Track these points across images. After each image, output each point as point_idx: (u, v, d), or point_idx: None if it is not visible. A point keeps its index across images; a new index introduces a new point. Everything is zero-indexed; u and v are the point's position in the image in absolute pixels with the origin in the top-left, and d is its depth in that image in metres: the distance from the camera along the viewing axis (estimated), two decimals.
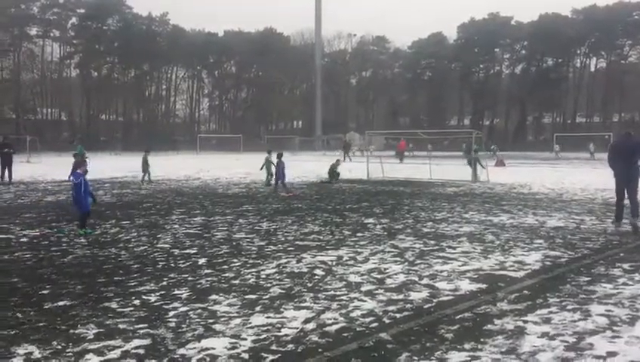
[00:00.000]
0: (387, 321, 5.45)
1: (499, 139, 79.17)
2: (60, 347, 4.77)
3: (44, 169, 30.76)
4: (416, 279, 7.04)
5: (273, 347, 4.79)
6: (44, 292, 6.48)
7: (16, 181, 22.57)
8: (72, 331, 5.15)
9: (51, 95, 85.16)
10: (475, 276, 7.18)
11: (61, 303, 6.03)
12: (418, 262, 8.02)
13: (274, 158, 20.86)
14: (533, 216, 12.76)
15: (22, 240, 9.85)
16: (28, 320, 5.49)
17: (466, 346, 4.76)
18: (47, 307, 5.91)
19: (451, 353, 4.62)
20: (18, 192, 18.74)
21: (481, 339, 4.92)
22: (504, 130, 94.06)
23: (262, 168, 22.37)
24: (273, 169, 20.63)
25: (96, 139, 75.06)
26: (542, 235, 10.24)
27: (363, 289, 6.59)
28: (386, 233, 10.51)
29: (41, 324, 5.34)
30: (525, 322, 5.38)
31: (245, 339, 4.96)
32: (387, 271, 7.48)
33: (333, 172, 23.02)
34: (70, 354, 4.62)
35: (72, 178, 10.42)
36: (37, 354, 4.63)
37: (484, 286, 6.71)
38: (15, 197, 17.12)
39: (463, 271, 7.41)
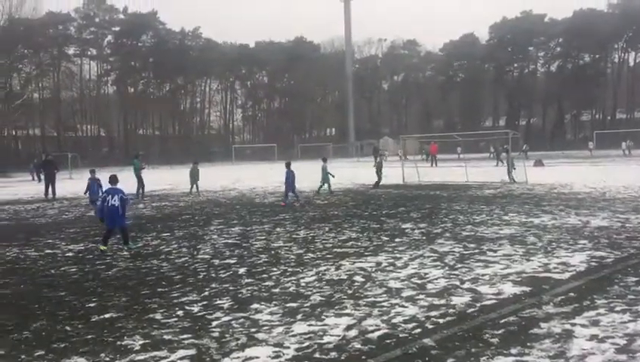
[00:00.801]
0: (430, 327, 5.39)
1: (536, 138, 77.56)
2: (108, 359, 4.88)
3: (86, 185, 31.42)
4: (458, 283, 6.95)
5: (316, 355, 4.80)
6: (91, 305, 6.65)
7: (60, 197, 23.23)
8: (119, 342, 5.27)
9: (90, 112, 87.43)
10: (519, 279, 7.06)
11: (107, 315, 6.17)
12: (459, 266, 7.92)
13: (329, 167, 21.46)
14: (575, 216, 12.47)
15: (67, 254, 10.13)
16: (76, 333, 5.63)
17: (513, 351, 4.67)
18: (94, 319, 6.06)
19: (497, 358, 4.55)
20: (62, 208, 19.30)
21: (528, 344, 4.82)
22: (541, 129, 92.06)
23: (322, 178, 21.67)
24: (329, 177, 21.23)
25: (134, 154, 76.48)
26: (586, 235, 10.00)
27: (404, 294, 6.54)
28: (424, 238, 10.42)
29: (89, 337, 5.47)
30: (573, 325, 5.26)
31: (288, 348, 4.98)
32: (427, 276, 7.41)
33: (379, 172, 23.38)
34: None
35: (120, 195, 10.42)
36: None
37: (528, 289, 6.59)
38: (59, 213, 17.63)
39: (505, 275, 7.29)
